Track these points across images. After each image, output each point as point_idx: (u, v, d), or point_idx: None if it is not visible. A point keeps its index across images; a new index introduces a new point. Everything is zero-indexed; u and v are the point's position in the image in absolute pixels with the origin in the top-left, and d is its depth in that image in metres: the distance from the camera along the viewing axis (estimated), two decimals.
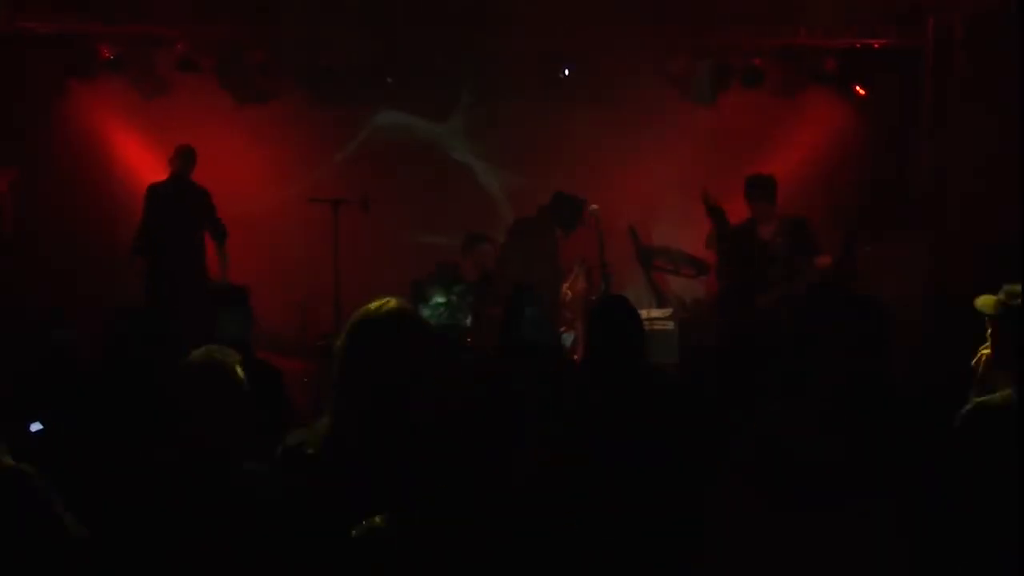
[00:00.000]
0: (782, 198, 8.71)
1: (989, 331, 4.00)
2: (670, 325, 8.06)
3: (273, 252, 9.47)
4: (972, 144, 8.08)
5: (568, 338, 7.94)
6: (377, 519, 2.53)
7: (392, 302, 3.02)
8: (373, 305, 3.01)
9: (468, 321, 7.43)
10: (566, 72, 9.28)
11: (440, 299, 7.43)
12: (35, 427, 4.09)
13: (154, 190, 8.26)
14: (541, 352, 4.03)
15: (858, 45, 9.15)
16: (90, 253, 8.78)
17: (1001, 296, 3.86)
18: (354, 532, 2.51)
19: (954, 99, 8.68)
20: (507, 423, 3.23)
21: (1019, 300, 3.76)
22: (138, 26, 8.79)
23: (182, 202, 8.22)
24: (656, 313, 8.06)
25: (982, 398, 3.28)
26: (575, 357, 7.36)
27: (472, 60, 9.31)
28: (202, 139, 8.55)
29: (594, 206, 8.08)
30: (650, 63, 9.22)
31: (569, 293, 8.04)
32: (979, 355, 4.26)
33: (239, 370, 3.02)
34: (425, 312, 7.36)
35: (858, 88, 9.33)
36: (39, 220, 8.89)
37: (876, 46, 9.15)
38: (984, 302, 3.92)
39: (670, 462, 3.34)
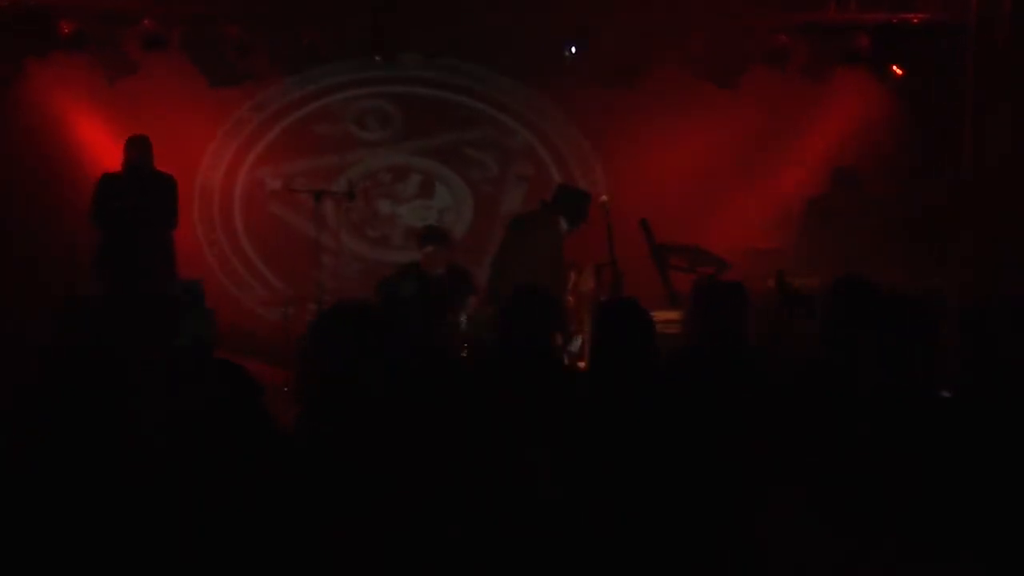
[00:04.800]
0: (811, 187, 8.69)
1: None
2: None
3: (251, 247, 9.43)
4: (1018, 128, 8.04)
5: (576, 343, 7.90)
6: None
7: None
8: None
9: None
10: (572, 50, 9.22)
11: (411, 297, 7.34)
12: None
13: (110, 180, 8.07)
14: (535, 359, 4.00)
15: (894, 20, 9.06)
16: (51, 245, 8.75)
17: None
18: None
19: (999, 79, 8.63)
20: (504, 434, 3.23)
21: None
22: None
23: (144, 194, 7.96)
24: (670, 315, 8.00)
25: None
26: (581, 363, 7.32)
27: (469, 38, 9.27)
28: (171, 124, 8.50)
29: (604, 197, 8.03)
30: (665, 41, 9.17)
31: (571, 298, 8.00)
32: None
33: None
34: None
35: (895, 68, 9.26)
36: None
37: (915, 21, 9.05)
38: None
39: (679, 474, 3.32)
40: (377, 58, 9.34)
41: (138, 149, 8.01)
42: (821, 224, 8.36)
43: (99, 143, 9.21)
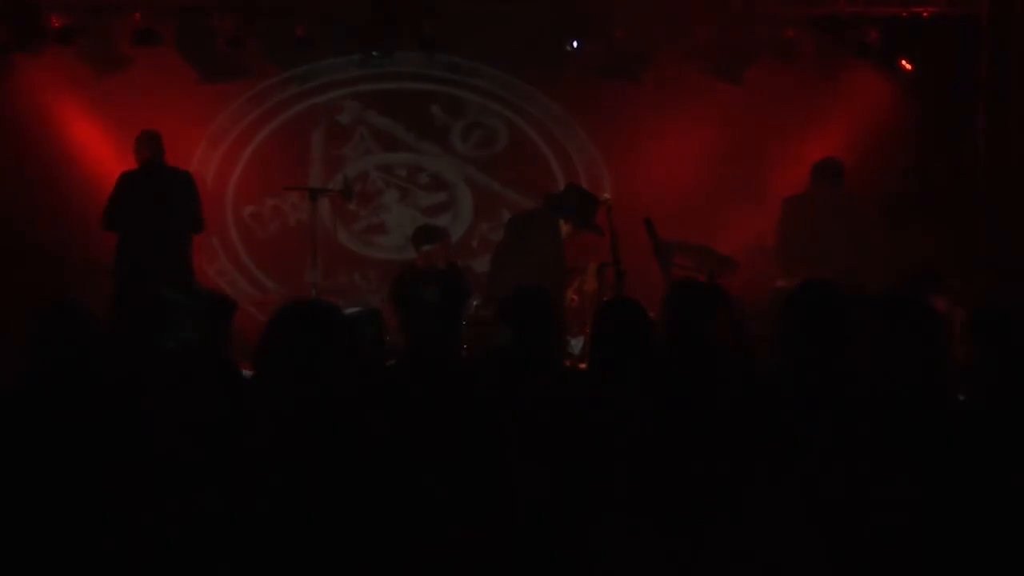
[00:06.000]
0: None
1: None
2: None
3: (244, 247, 9.43)
4: None
5: (577, 344, 7.86)
6: None
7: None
8: None
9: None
10: (575, 44, 9.19)
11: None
12: None
13: (126, 178, 8.10)
14: (534, 360, 4.01)
15: (905, 14, 9.05)
16: (44, 243, 8.72)
17: None
18: None
19: (1013, 75, 8.60)
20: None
21: None
22: None
23: (158, 191, 8.01)
24: None
25: None
26: (582, 365, 7.28)
27: (468, 33, 9.25)
28: (162, 120, 8.47)
29: (606, 195, 8.00)
30: (669, 35, 9.14)
31: (575, 297, 7.96)
32: None
33: None
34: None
35: (904, 63, 9.23)
36: None
37: (925, 15, 9.04)
38: None
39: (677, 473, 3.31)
40: (375, 53, 9.31)
41: (150, 146, 8.05)
42: (807, 222, 8.29)
43: (90, 139, 9.21)
